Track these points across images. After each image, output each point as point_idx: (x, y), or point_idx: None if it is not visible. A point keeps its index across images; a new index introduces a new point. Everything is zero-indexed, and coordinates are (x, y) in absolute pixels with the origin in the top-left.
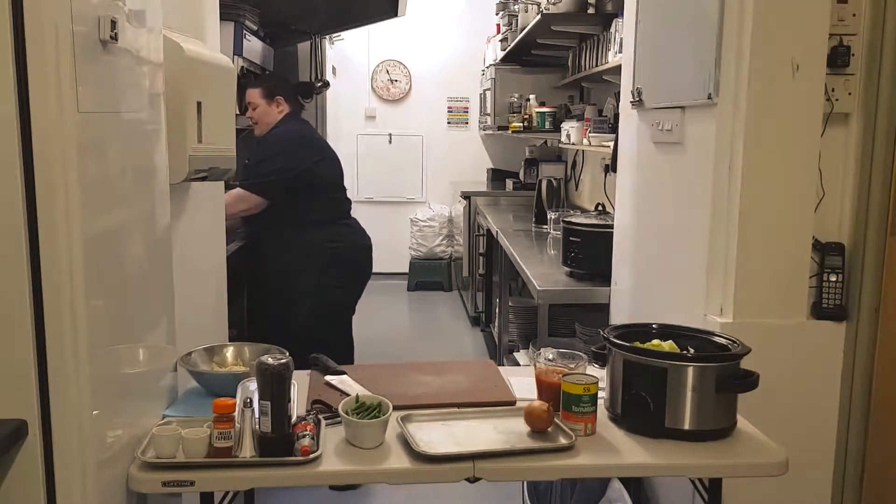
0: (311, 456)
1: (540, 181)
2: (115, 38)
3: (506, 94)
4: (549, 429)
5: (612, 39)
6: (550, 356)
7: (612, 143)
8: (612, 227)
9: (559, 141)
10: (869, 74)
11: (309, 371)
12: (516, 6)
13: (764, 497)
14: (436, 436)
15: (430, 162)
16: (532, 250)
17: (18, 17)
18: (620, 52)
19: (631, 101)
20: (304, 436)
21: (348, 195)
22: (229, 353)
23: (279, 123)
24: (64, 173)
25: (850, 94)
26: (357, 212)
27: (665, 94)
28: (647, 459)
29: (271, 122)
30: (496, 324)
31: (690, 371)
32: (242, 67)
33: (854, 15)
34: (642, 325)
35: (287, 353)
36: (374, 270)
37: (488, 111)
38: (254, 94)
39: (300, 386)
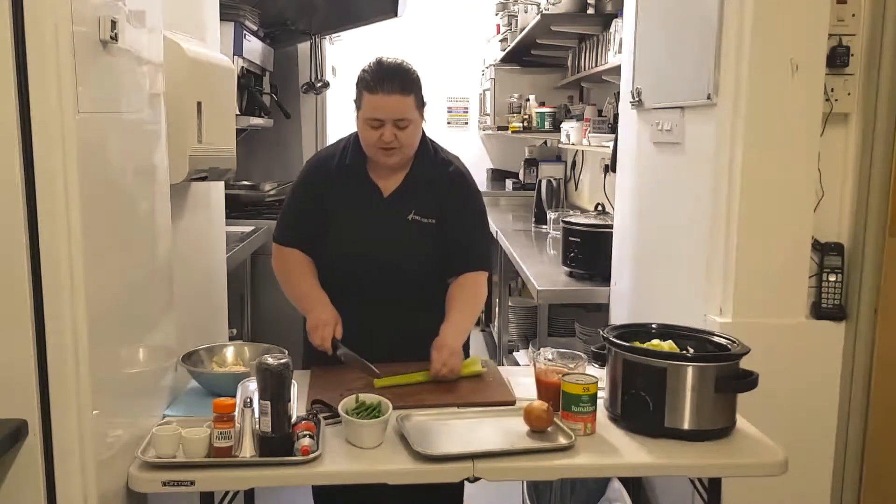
0: (311, 456)
1: (540, 181)
2: (115, 38)
3: (505, 94)
4: (549, 428)
5: (612, 39)
6: (550, 356)
7: (611, 143)
8: (611, 227)
9: (559, 141)
10: (868, 74)
11: (309, 371)
12: (516, 6)
13: (764, 497)
14: (436, 436)
15: None
16: (532, 250)
17: (18, 17)
18: (620, 52)
19: (631, 101)
20: (304, 436)
21: None
22: (229, 353)
23: (427, 144)
24: (64, 173)
25: (849, 94)
26: None
27: (665, 94)
28: (647, 459)
29: (414, 145)
30: (496, 324)
31: (690, 371)
32: (242, 67)
33: (853, 15)
34: (642, 325)
35: (287, 353)
36: None
37: (488, 111)
38: (410, 106)
39: (300, 386)
